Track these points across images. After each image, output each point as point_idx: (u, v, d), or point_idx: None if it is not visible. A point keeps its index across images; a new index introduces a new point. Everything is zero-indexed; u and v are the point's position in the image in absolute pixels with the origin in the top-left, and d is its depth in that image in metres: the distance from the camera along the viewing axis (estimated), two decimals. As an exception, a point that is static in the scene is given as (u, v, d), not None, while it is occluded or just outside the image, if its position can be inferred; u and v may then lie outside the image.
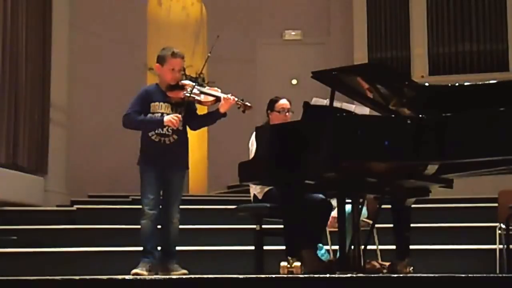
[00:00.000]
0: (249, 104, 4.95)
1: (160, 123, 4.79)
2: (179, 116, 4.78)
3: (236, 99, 4.90)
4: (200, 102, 4.91)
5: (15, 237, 6.71)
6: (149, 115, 4.85)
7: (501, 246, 5.90)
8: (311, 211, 4.86)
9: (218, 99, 4.89)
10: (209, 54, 4.99)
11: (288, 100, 5.39)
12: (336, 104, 4.64)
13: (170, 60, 4.90)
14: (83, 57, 10.13)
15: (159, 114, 4.83)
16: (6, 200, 7.76)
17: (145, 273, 4.62)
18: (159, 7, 11.79)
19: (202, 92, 4.92)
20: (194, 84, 4.96)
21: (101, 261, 6.14)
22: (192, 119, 4.95)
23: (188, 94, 4.84)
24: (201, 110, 5.14)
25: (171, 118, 4.76)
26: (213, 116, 4.97)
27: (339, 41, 11.16)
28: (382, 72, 4.97)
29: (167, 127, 4.81)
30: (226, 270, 5.26)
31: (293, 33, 11.50)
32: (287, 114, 5.31)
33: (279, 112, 5.32)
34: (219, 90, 4.97)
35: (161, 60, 4.94)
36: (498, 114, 4.21)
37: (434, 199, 5.63)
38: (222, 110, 4.87)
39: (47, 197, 8.65)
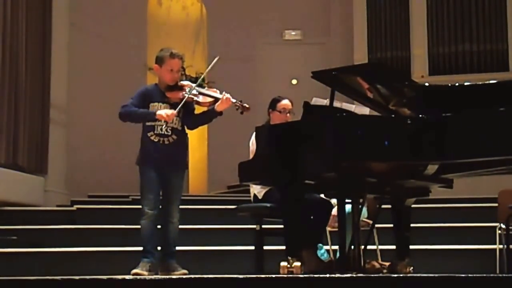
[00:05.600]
0: (247, 106, 4.94)
1: (152, 115, 4.80)
2: (174, 111, 4.78)
3: (234, 100, 4.90)
4: (198, 103, 4.91)
5: (15, 237, 6.70)
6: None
7: (501, 246, 5.90)
8: (311, 211, 4.86)
9: (216, 100, 4.88)
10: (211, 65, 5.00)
11: (291, 101, 5.38)
12: (336, 104, 4.64)
13: (168, 60, 4.90)
14: (83, 57, 10.12)
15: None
16: (6, 200, 7.76)
17: (145, 273, 4.62)
18: (159, 7, 11.79)
19: (200, 93, 4.92)
20: (193, 84, 4.97)
21: (101, 261, 6.14)
22: (189, 119, 4.95)
23: (187, 95, 4.84)
24: (199, 110, 5.13)
25: (164, 113, 4.76)
26: (209, 115, 4.96)
27: (339, 41, 11.17)
28: (382, 72, 4.96)
29: (166, 128, 4.81)
30: (226, 270, 5.26)
31: (293, 33, 11.50)
32: (288, 114, 5.30)
33: (280, 112, 5.31)
34: (218, 91, 4.97)
35: (159, 61, 4.94)
36: (498, 114, 4.22)
37: (434, 199, 5.62)
38: (218, 109, 4.87)
39: (47, 197, 8.65)
